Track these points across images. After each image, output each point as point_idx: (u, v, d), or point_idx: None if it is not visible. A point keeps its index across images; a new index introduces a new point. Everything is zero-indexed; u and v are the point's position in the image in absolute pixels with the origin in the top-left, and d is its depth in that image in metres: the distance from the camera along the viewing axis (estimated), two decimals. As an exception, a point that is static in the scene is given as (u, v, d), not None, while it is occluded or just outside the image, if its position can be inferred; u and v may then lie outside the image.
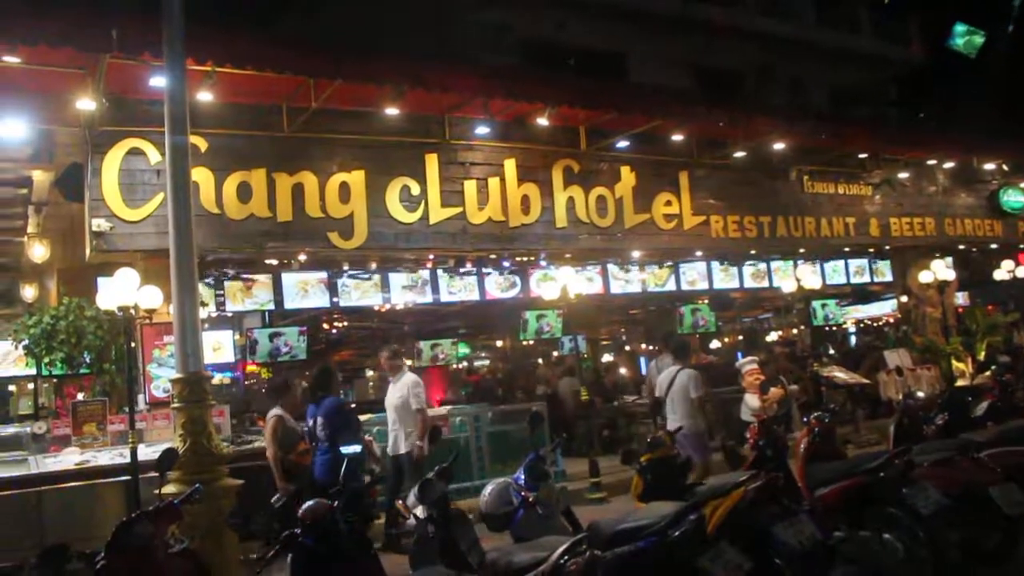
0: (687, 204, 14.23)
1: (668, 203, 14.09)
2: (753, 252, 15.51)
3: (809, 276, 15.05)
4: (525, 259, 13.49)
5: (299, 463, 8.62)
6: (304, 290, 12.40)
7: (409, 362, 21.49)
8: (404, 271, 12.90)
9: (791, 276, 15.68)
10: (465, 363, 21.18)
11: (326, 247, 11.44)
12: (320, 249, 11.47)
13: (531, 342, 17.60)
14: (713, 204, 14.54)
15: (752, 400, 11.05)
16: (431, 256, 12.67)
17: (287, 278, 12.18)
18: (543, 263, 13.70)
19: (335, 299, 12.59)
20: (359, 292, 12.79)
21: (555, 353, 19.58)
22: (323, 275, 12.42)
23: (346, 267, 12.48)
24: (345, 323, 17.79)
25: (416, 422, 9.68)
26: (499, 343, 22.63)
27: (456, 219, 12.20)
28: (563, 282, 12.33)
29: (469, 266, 13.17)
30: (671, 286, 15.43)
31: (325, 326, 17.58)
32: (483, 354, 23.42)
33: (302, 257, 11.69)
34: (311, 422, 8.71)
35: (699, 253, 15.12)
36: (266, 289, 12.09)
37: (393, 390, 9.96)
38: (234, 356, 13.12)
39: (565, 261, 13.52)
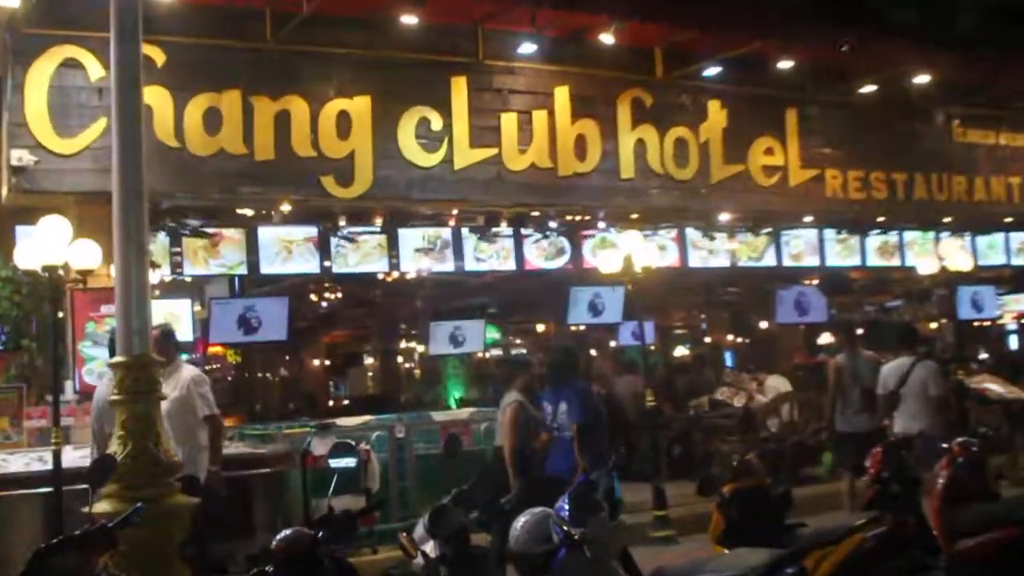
0: (794, 153, 14.09)
1: (769, 151, 13.96)
2: (881, 219, 15.36)
3: (956, 253, 14.86)
4: (577, 219, 13.41)
5: (535, 453, 9.38)
6: (287, 250, 12.34)
7: (420, 348, 21.92)
8: (418, 229, 12.86)
9: (931, 253, 15.48)
10: (496, 351, 21.15)
11: (318, 195, 11.42)
12: (310, 198, 11.46)
13: (581, 327, 17.45)
14: (829, 155, 14.38)
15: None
16: (454, 211, 12.63)
17: (265, 234, 12.13)
18: (601, 225, 13.62)
19: (327, 263, 12.55)
20: (358, 255, 12.73)
21: (612, 343, 19.49)
22: (312, 231, 12.35)
23: (343, 222, 12.41)
24: (339, 295, 17.77)
25: (204, 437, 8.98)
26: (540, 327, 22.56)
27: (489, 163, 12.17)
28: (626, 250, 12.22)
29: (504, 226, 13.09)
30: (769, 260, 15.25)
31: (313, 298, 17.58)
32: (518, 341, 23.39)
33: (285, 208, 11.70)
34: (548, 408, 9.29)
35: (808, 219, 14.98)
36: (237, 248, 12.01)
37: (167, 389, 8.18)
38: (193, 334, 12.99)
39: (630, 224, 13.43)
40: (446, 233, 13.01)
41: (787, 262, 15.46)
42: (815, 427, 14.02)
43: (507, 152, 12.28)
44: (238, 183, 10.96)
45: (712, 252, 14.83)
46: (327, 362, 25.84)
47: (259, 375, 25.11)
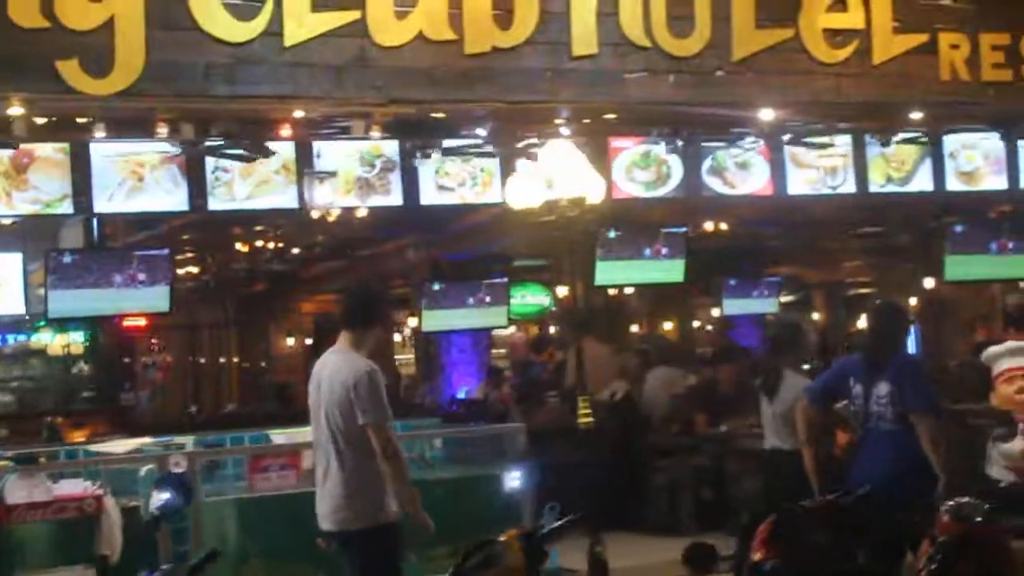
0: (883, 5, 9.08)
1: (838, 3, 9.06)
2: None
3: None
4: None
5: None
6: (136, 176, 9.38)
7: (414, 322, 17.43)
8: (350, 143, 9.59)
9: None
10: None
11: (54, 91, 7.67)
12: (43, 95, 7.80)
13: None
14: (945, 8, 9.31)
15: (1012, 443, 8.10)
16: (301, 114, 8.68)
17: (101, 153, 9.12)
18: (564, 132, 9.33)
19: (199, 200, 9.59)
20: (249, 183, 9.67)
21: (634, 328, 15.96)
22: (176, 149, 9.30)
23: (213, 133, 9.20)
24: (281, 246, 13.79)
25: None
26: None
27: (346, 35, 7.97)
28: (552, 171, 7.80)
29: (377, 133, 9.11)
30: (922, 182, 11.68)
31: (240, 247, 13.65)
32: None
33: (15, 111, 8.00)
34: (856, 389, 7.22)
35: (916, 115, 10.11)
36: (57, 173, 9.14)
37: None
38: (26, 304, 11.09)
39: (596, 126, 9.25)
40: (391, 149, 9.62)
41: (955, 185, 11.84)
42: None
43: (376, 16, 7.97)
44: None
45: (828, 172, 11.32)
46: (308, 341, 21.34)
47: (209, 360, 21.54)
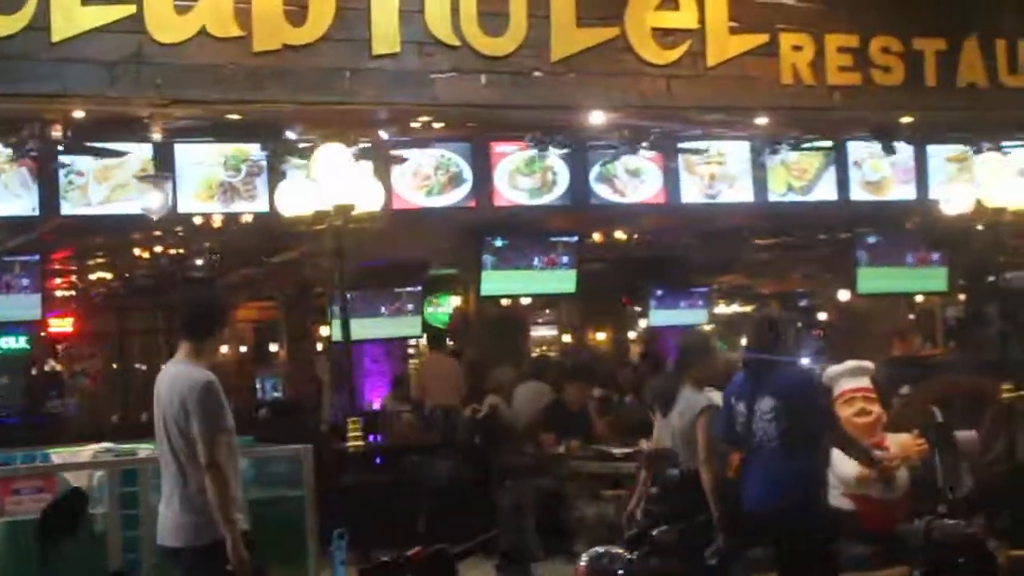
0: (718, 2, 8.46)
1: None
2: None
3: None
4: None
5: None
6: None
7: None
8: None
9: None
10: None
11: None
12: None
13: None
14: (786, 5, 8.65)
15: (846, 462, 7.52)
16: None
17: None
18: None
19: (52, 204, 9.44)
20: (106, 187, 9.50)
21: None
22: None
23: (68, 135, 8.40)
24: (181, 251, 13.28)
25: None
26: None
27: (119, 31, 7.29)
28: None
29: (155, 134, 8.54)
30: (825, 191, 11.54)
31: (140, 254, 13.14)
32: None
33: None
34: (739, 407, 6.92)
35: (761, 119, 9.50)
36: None
37: None
38: None
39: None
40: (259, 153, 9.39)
41: (860, 195, 11.65)
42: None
43: (154, 11, 7.31)
44: None
45: (720, 180, 11.18)
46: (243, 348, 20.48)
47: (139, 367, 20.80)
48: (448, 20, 7.84)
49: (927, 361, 13.29)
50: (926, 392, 9.10)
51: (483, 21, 7.92)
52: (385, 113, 8.31)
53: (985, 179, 9.15)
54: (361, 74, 7.76)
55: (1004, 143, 9.91)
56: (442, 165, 10.98)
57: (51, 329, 20.23)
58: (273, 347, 21.61)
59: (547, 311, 20.77)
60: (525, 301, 15.08)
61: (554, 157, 10.83)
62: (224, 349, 22.49)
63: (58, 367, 22.00)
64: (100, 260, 16.48)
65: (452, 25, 7.86)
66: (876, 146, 10.93)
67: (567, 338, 19.87)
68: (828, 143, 11.40)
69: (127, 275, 17.32)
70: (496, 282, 12.63)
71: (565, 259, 12.97)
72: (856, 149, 11.77)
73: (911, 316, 16.67)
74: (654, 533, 6.76)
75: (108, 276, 17.85)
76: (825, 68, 8.68)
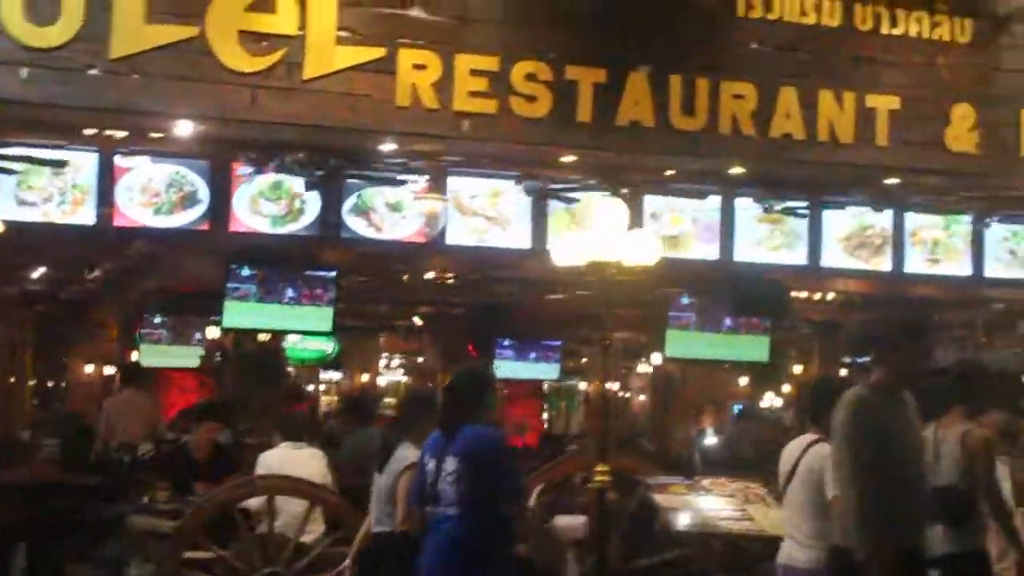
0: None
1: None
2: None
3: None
4: None
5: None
6: None
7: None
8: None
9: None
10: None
11: None
12: None
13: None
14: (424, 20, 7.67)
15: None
16: None
17: None
18: None
19: None
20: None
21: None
22: None
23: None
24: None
25: None
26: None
27: None
28: None
29: None
30: None
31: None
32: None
33: None
34: (429, 465, 6.53)
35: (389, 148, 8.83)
36: None
37: None
38: None
39: None
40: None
41: None
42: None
43: None
44: None
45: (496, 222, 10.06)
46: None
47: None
48: (-4, 5, 6.95)
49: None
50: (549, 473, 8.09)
51: (30, 5, 7.01)
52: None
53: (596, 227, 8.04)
54: None
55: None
56: (175, 182, 10.02)
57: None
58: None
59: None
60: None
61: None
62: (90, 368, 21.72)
63: None
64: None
65: (-10, 10, 6.96)
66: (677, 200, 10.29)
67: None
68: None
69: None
70: (238, 314, 11.61)
71: (323, 295, 11.92)
72: (653, 201, 10.71)
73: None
74: None
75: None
76: (452, 92, 7.66)
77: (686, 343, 13.16)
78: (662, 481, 7.83)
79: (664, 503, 7.43)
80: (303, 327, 12.40)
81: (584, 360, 21.44)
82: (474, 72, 7.67)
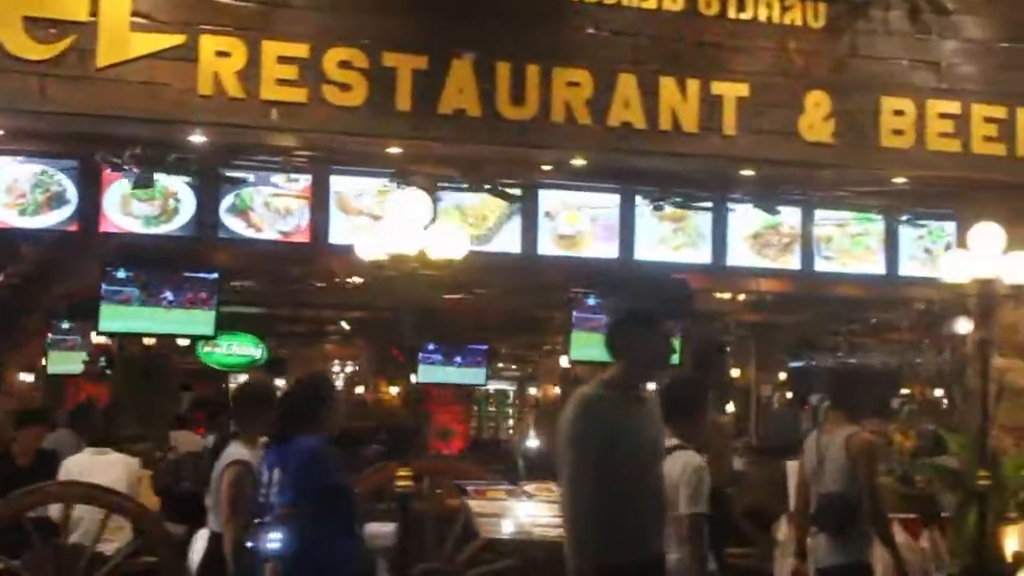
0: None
1: None
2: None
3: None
4: None
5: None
6: None
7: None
8: None
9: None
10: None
11: None
12: None
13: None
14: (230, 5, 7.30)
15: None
16: None
17: None
18: None
19: None
20: None
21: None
22: None
23: None
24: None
25: None
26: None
27: None
28: None
29: None
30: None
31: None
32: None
33: None
34: (264, 476, 6.32)
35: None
36: None
37: None
38: None
39: None
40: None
41: (550, 248, 10.17)
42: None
43: None
44: None
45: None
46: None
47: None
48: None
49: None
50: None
51: None
52: None
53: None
54: None
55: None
56: (41, 183, 9.69)
57: None
58: None
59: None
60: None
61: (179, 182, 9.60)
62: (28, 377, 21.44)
63: None
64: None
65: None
66: (575, 196, 10.03)
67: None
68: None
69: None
70: (116, 319, 11.26)
71: (207, 298, 11.55)
72: (549, 198, 10.34)
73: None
74: None
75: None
76: (260, 80, 7.28)
77: (591, 346, 12.75)
78: (481, 487, 7.49)
79: (478, 509, 7.08)
80: (186, 331, 12.06)
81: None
82: (282, 59, 7.30)
